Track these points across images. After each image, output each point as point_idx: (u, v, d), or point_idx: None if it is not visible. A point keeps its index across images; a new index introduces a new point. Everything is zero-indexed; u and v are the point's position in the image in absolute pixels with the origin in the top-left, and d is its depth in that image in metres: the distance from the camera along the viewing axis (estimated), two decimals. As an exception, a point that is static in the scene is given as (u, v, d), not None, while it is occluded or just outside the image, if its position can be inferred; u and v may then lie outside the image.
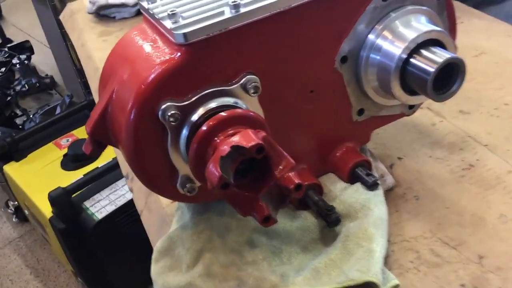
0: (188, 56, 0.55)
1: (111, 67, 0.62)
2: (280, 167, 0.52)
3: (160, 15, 0.57)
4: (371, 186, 0.66)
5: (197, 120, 0.56)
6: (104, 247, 1.76)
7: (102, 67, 0.64)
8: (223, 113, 0.54)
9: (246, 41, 0.57)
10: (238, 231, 0.65)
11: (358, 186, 0.66)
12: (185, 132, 0.56)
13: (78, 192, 1.75)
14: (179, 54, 0.55)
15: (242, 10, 0.56)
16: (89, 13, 1.29)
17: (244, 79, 0.58)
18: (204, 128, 0.53)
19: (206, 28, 0.54)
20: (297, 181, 0.52)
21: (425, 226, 0.65)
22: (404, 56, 0.61)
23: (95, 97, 1.09)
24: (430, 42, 0.62)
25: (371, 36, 0.63)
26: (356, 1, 0.61)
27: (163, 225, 0.73)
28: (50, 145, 2.08)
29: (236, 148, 0.49)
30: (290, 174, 0.52)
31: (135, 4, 1.27)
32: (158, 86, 0.55)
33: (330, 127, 0.68)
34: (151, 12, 0.59)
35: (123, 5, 1.27)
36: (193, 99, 0.56)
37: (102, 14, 1.29)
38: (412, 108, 0.72)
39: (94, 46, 1.19)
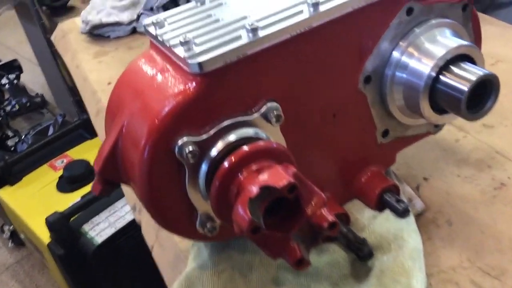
0: (204, 86, 0.51)
1: (118, 98, 0.57)
2: (312, 203, 0.48)
3: (171, 42, 0.53)
4: (402, 213, 0.61)
5: (216, 156, 0.51)
6: (105, 271, 1.70)
7: (108, 97, 0.59)
8: (245, 148, 0.49)
9: (266, 66, 0.53)
10: (262, 269, 0.60)
11: (388, 214, 0.62)
12: (204, 168, 0.52)
13: (76, 216, 1.70)
14: (194, 84, 0.51)
15: (261, 34, 0.51)
16: (83, 33, 1.25)
17: (264, 108, 0.53)
18: (226, 164, 0.49)
19: (222, 55, 0.50)
20: (331, 218, 0.47)
21: (462, 254, 0.60)
22: (434, 74, 0.57)
23: (94, 121, 1.04)
24: (459, 57, 0.58)
25: (395, 54, 0.59)
26: (380, 17, 0.57)
27: (178, 262, 0.69)
28: (45, 167, 2.02)
29: (265, 189, 0.45)
30: (322, 210, 0.48)
31: (130, 23, 1.23)
32: (173, 120, 0.50)
33: (354, 151, 0.63)
34: (160, 39, 0.54)
35: (117, 24, 1.22)
36: (212, 132, 0.51)
37: (96, 34, 1.24)
38: (438, 126, 0.68)
39: (90, 68, 1.14)
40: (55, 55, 2.14)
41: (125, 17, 1.21)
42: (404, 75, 0.59)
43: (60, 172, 1.95)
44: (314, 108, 0.58)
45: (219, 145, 0.51)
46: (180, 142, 0.50)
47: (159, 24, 0.57)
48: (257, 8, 0.55)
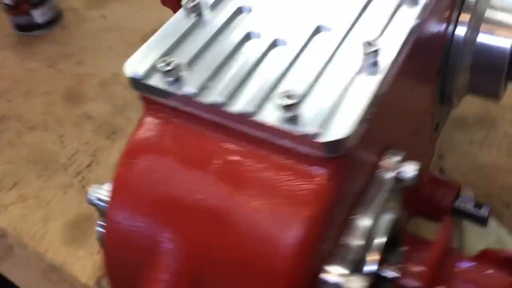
0: (342, 172, 0.29)
1: (144, 223, 0.31)
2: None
3: (244, 109, 0.29)
4: (486, 219, 0.50)
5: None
6: None
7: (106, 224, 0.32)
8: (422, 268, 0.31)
9: (387, 105, 0.33)
10: None
11: (469, 226, 0.50)
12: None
13: None
14: (325, 172, 0.29)
15: (382, 62, 0.31)
16: None
17: (399, 168, 0.34)
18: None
19: (363, 116, 0.29)
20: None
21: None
22: (515, 46, 0.45)
23: None
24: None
25: (459, 30, 0.45)
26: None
27: None
28: None
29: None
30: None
31: None
32: (316, 247, 0.29)
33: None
34: (217, 102, 0.30)
35: None
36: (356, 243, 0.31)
37: None
38: (457, 99, 0.56)
39: None
40: None
41: None
42: (475, 53, 0.45)
43: None
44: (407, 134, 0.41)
45: (372, 258, 0.32)
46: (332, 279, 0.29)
47: (175, 75, 0.31)
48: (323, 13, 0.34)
